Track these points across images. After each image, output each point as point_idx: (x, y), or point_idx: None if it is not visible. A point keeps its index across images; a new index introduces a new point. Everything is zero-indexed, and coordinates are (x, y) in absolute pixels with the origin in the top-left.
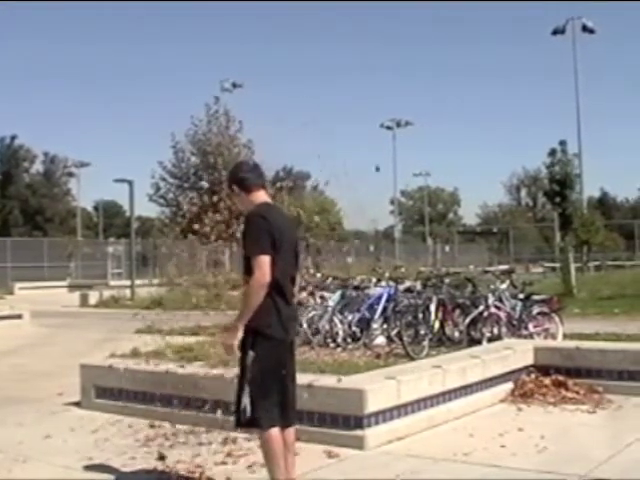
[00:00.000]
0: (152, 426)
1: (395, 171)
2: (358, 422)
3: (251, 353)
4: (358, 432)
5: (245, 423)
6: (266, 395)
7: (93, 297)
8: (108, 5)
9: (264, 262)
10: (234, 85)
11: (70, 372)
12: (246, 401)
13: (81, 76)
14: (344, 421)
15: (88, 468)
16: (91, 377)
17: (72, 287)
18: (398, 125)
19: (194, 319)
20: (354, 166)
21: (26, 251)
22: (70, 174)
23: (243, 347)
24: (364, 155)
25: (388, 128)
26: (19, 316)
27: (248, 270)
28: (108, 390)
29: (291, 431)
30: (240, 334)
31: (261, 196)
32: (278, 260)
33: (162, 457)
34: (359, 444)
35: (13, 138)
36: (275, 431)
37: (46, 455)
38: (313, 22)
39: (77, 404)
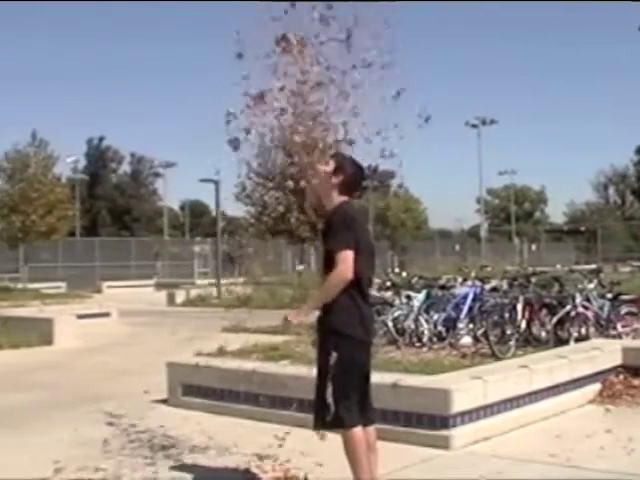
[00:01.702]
0: (238, 424)
1: (481, 169)
2: (444, 422)
3: (334, 354)
4: (444, 432)
5: (329, 424)
6: (348, 395)
7: (180, 296)
8: (198, 5)
9: (349, 257)
10: (319, 84)
11: (157, 370)
12: (330, 401)
13: (167, 76)
14: (430, 421)
15: (173, 467)
16: (178, 375)
17: (159, 286)
18: (483, 123)
19: (280, 318)
20: (440, 165)
21: (114, 251)
22: (156, 174)
23: (325, 348)
24: (449, 154)
25: (473, 126)
26: (107, 314)
27: (328, 266)
28: (195, 388)
29: (371, 430)
30: (305, 317)
31: (343, 199)
32: (359, 259)
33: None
34: (445, 444)
35: (101, 139)
36: (358, 430)
37: (130, 451)
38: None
39: (164, 401)
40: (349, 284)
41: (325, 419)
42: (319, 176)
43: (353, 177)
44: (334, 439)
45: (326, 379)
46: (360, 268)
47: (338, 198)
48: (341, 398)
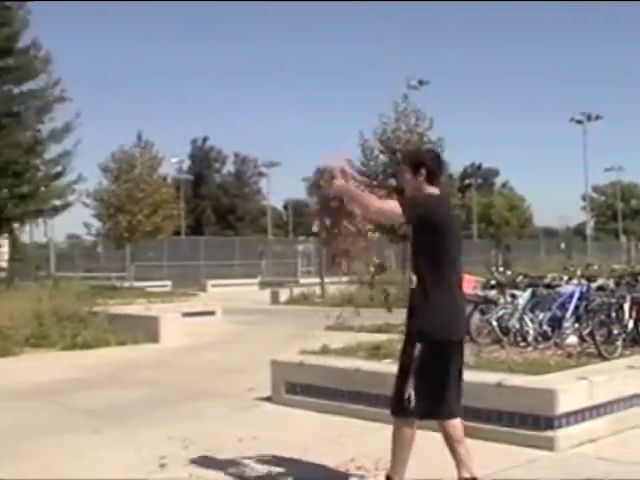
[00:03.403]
0: (341, 423)
1: (586, 166)
2: (549, 423)
3: (418, 345)
4: (549, 433)
5: (407, 413)
6: (426, 388)
7: (283, 294)
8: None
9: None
10: (420, 82)
11: (261, 368)
12: (410, 391)
13: (271, 75)
14: (534, 421)
15: (268, 462)
16: (282, 373)
17: (263, 285)
18: (589, 119)
19: (383, 317)
20: (545, 162)
21: (218, 249)
22: (260, 174)
23: (410, 341)
24: (554, 151)
25: (578, 122)
26: (212, 313)
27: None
28: (298, 386)
29: (457, 423)
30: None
31: (435, 190)
32: (450, 258)
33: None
34: (549, 445)
35: (205, 140)
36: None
37: (234, 448)
38: (500, 19)
39: (268, 399)
40: (438, 281)
41: (407, 408)
42: (407, 183)
43: (432, 161)
44: (439, 438)
45: (409, 369)
46: (451, 265)
47: (434, 192)
48: (420, 391)
